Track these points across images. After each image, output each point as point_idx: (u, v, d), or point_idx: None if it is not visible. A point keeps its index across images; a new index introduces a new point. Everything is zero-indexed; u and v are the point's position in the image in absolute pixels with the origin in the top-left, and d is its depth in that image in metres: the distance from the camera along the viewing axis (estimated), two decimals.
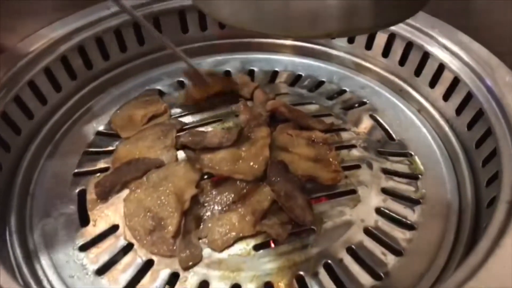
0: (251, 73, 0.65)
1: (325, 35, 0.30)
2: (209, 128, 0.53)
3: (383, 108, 0.58)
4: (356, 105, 0.59)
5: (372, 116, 0.57)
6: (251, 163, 0.46)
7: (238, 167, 0.46)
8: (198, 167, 0.46)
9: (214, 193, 0.45)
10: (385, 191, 0.48)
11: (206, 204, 0.44)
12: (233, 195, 0.45)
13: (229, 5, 0.31)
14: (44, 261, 0.42)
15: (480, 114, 0.48)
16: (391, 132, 0.55)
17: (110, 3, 0.59)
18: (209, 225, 0.43)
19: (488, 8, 0.61)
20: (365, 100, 0.59)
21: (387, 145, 0.53)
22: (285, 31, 0.31)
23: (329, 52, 0.65)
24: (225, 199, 0.45)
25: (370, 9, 0.30)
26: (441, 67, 0.54)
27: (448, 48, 0.53)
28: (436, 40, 0.55)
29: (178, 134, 0.51)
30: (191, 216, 0.43)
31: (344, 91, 0.61)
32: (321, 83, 0.63)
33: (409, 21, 0.57)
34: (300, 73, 0.64)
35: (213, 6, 0.32)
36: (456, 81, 0.52)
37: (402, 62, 0.59)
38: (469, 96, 0.50)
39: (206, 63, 0.65)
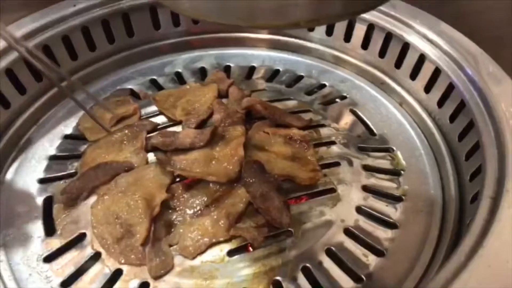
0: (227, 69, 0.62)
1: (292, 24, 0.28)
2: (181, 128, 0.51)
3: (363, 102, 0.56)
4: (336, 100, 0.57)
5: (352, 111, 0.55)
6: (225, 164, 0.44)
7: (211, 169, 0.44)
8: (169, 170, 0.44)
9: (186, 196, 0.43)
10: (366, 188, 0.46)
11: (177, 209, 0.42)
12: (206, 198, 0.43)
13: None
14: (5, 274, 0.39)
15: (462, 105, 0.46)
16: (372, 127, 0.53)
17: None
18: (181, 230, 0.40)
19: None
20: (345, 94, 0.57)
21: (368, 141, 0.51)
22: (249, 21, 0.29)
23: (307, 45, 0.63)
24: (197, 202, 0.42)
25: None
26: (422, 57, 0.52)
27: (429, 38, 0.52)
28: (416, 30, 0.53)
29: (149, 135, 0.49)
30: (161, 222, 0.41)
31: (324, 86, 0.59)
32: (300, 77, 0.60)
33: (388, 11, 0.55)
34: (278, 68, 0.62)
35: None
36: (437, 72, 0.50)
37: (382, 54, 0.57)
38: (450, 87, 0.48)
39: (180, 60, 0.63)
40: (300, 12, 0.28)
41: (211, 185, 0.43)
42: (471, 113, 0.44)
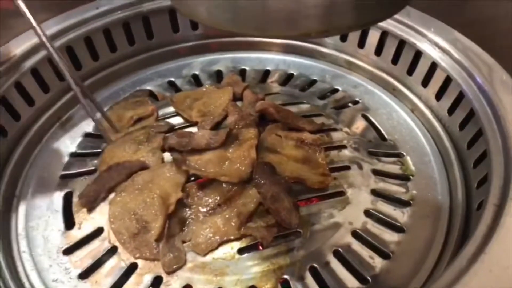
0: (242, 72, 0.64)
1: (303, 34, 0.30)
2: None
3: (375, 107, 0.57)
4: (349, 104, 0.58)
5: (364, 116, 0.56)
6: (238, 165, 0.46)
7: (224, 169, 0.46)
8: (184, 169, 0.45)
9: (199, 195, 0.44)
10: (375, 192, 0.47)
11: (191, 207, 0.44)
12: (218, 198, 0.44)
13: (205, 6, 0.31)
14: (27, 264, 0.42)
15: (471, 114, 0.47)
16: (383, 132, 0.54)
17: (98, 3, 0.59)
18: (194, 228, 0.42)
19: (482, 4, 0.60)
20: (357, 99, 0.58)
21: (379, 146, 0.52)
22: (263, 31, 0.31)
23: (321, 50, 0.65)
24: (210, 201, 0.44)
25: (348, 8, 0.29)
26: (434, 65, 0.53)
27: (441, 46, 0.52)
28: (428, 38, 0.54)
29: (166, 135, 0.50)
30: (175, 219, 0.43)
31: (337, 90, 0.60)
32: (313, 82, 0.62)
33: (402, 19, 0.56)
34: (292, 72, 0.63)
35: (189, 7, 0.32)
36: (448, 80, 0.51)
37: (395, 60, 0.58)
38: (461, 96, 0.49)
39: (197, 62, 0.65)
40: (311, 23, 0.29)
41: (224, 185, 0.45)
42: (480, 122, 0.44)
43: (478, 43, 0.51)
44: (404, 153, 0.51)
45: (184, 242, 0.42)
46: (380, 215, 0.45)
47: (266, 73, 0.64)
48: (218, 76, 0.63)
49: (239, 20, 0.30)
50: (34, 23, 0.44)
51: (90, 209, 0.45)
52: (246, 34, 0.31)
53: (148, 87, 0.61)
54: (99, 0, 0.59)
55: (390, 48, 0.58)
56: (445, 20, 0.55)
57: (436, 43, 0.53)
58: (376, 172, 0.49)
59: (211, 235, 0.41)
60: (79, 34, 0.57)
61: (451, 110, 0.51)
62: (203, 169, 0.45)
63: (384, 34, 0.58)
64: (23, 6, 0.43)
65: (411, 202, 0.46)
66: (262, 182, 0.44)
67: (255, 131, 0.49)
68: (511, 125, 0.41)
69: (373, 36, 0.59)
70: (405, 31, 0.56)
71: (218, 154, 0.47)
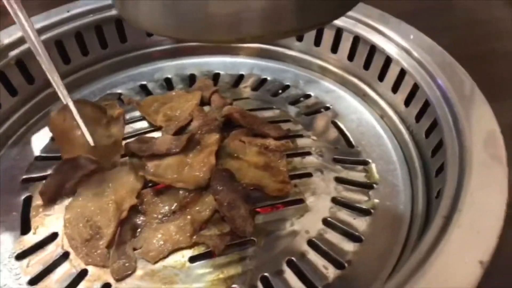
0: (216, 76, 0.63)
1: (238, 40, 0.29)
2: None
3: (346, 113, 0.56)
4: (319, 110, 0.57)
5: (333, 122, 0.55)
6: (196, 171, 0.45)
7: (183, 175, 0.45)
8: (141, 175, 0.45)
9: (155, 201, 0.44)
10: (335, 200, 0.46)
11: (145, 213, 0.43)
12: (174, 205, 0.44)
13: (146, 15, 0.30)
14: None
15: (435, 122, 0.46)
16: (351, 139, 0.53)
17: (69, 6, 0.59)
18: (145, 235, 0.42)
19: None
20: (328, 105, 0.58)
21: (345, 153, 0.51)
22: (201, 36, 0.31)
23: (296, 55, 0.64)
24: (166, 208, 0.44)
25: (292, 11, 0.29)
26: (403, 72, 0.52)
27: (410, 53, 0.52)
28: (397, 44, 0.53)
29: (127, 140, 0.50)
30: (128, 226, 0.42)
31: (309, 96, 0.60)
32: (286, 87, 0.61)
33: (373, 23, 0.56)
34: (266, 76, 0.63)
35: (132, 14, 0.32)
36: (416, 87, 0.50)
37: (366, 66, 0.58)
38: (427, 103, 0.48)
39: (170, 66, 0.64)
40: (247, 29, 0.29)
41: (180, 191, 0.44)
42: (441, 131, 0.44)
43: (452, 48, 0.50)
44: (370, 161, 0.50)
45: (135, 249, 0.41)
46: (338, 224, 0.44)
47: (240, 78, 0.63)
48: (191, 80, 0.63)
49: (176, 26, 0.30)
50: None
51: (47, 207, 0.45)
52: (186, 40, 0.31)
53: (119, 91, 0.61)
54: (70, 4, 0.59)
55: (362, 54, 0.57)
56: (418, 26, 0.54)
57: (406, 49, 0.52)
58: (339, 180, 0.48)
59: (162, 242, 0.41)
60: (49, 37, 0.57)
61: (418, 117, 0.50)
62: (160, 175, 0.45)
63: (356, 39, 0.57)
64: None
65: (372, 211, 0.45)
66: (220, 189, 0.44)
67: (217, 136, 0.48)
68: (470, 139, 0.40)
69: (346, 41, 0.58)
70: (376, 37, 0.55)
71: (178, 159, 0.46)
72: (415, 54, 0.51)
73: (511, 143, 0.47)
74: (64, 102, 0.44)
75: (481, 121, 0.42)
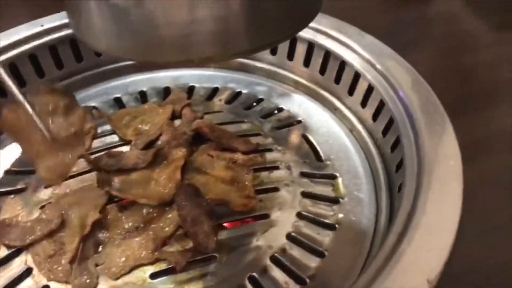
0: (191, 89, 0.64)
1: (187, 61, 0.30)
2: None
3: (316, 127, 0.57)
4: (290, 124, 0.58)
5: (303, 136, 0.56)
6: (161, 187, 0.45)
7: (148, 191, 0.45)
8: (106, 190, 0.45)
9: (119, 217, 0.44)
10: (300, 215, 0.46)
11: (109, 229, 0.44)
12: (139, 220, 0.44)
13: (94, 31, 0.31)
14: None
15: (398, 140, 0.47)
16: (320, 152, 0.54)
17: (43, 20, 0.59)
18: (108, 251, 0.42)
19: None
20: (300, 118, 0.58)
21: (313, 167, 0.52)
22: (150, 58, 0.31)
23: (270, 69, 0.65)
24: (130, 224, 0.44)
25: (240, 33, 0.30)
26: (370, 88, 0.53)
27: (376, 68, 0.52)
28: (366, 59, 0.53)
29: (96, 155, 0.50)
30: (91, 241, 0.43)
31: (281, 109, 0.60)
32: (260, 100, 0.62)
33: (344, 39, 0.56)
34: (241, 89, 0.63)
35: (87, 36, 0.32)
36: (382, 103, 0.51)
37: (337, 80, 0.58)
38: (391, 120, 0.49)
39: (145, 79, 0.65)
40: (195, 50, 0.30)
41: (144, 207, 0.45)
42: (402, 148, 0.44)
43: (429, 61, 0.51)
44: (338, 175, 0.51)
45: (97, 265, 0.42)
46: (302, 239, 0.44)
47: (215, 91, 0.64)
48: (165, 93, 0.63)
49: (126, 48, 0.31)
50: None
51: None
52: (136, 61, 0.31)
53: (94, 104, 0.61)
54: (44, 18, 0.60)
55: (332, 68, 0.58)
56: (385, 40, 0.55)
57: (373, 64, 0.53)
58: (306, 195, 0.48)
59: (124, 259, 0.41)
60: (23, 51, 0.58)
61: (384, 132, 0.51)
62: (125, 191, 0.45)
63: (327, 54, 0.58)
64: None
65: (336, 225, 0.46)
66: (183, 204, 0.44)
67: (183, 151, 0.49)
68: (428, 157, 0.40)
69: (317, 56, 0.59)
70: (346, 52, 0.56)
71: (144, 174, 0.47)
72: (382, 69, 0.52)
73: (475, 158, 0.48)
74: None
75: (441, 138, 0.42)
